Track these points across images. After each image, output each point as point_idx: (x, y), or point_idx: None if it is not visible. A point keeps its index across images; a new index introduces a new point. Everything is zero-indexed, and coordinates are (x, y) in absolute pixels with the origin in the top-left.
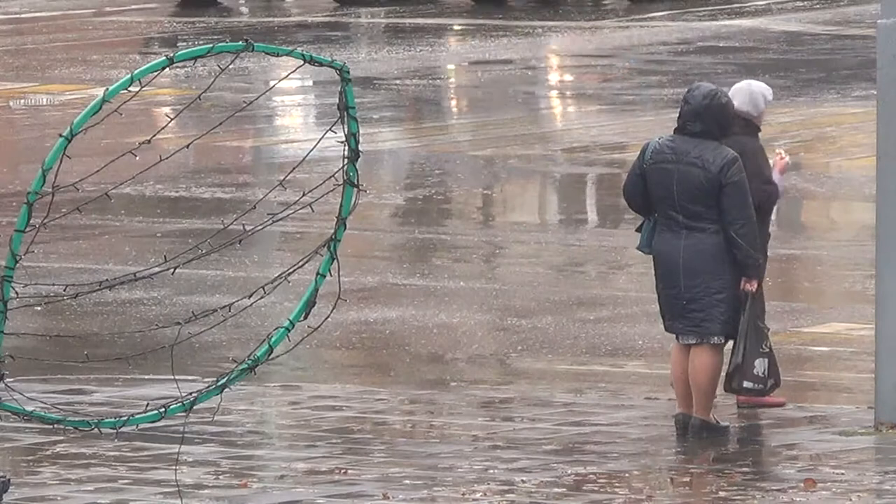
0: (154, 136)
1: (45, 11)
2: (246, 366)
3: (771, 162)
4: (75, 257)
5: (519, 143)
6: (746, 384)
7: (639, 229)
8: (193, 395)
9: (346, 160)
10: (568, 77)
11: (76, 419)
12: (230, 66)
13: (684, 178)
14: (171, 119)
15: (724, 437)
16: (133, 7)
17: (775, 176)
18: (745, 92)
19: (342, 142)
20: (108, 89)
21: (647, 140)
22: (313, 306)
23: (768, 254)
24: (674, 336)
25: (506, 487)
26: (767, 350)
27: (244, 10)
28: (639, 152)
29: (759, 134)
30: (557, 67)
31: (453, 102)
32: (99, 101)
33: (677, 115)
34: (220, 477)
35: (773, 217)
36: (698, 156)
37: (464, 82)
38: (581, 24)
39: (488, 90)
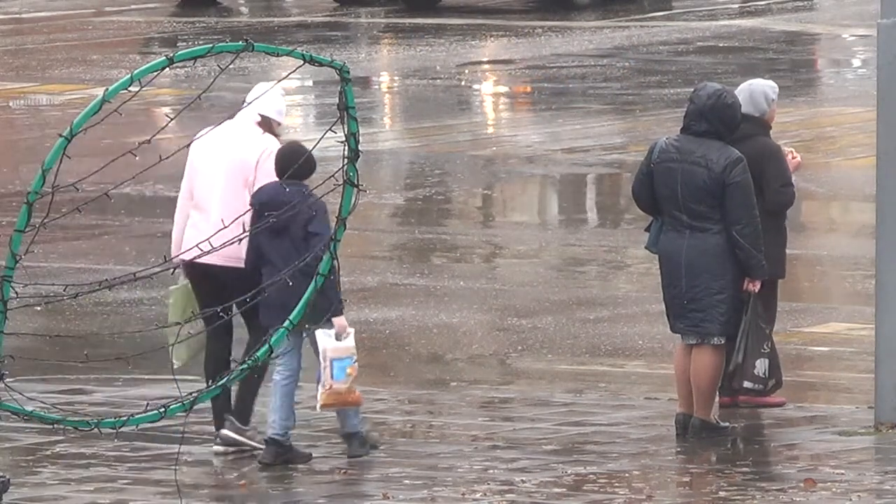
0: (154, 135)
1: (45, 11)
2: (246, 366)
3: None
4: (75, 257)
5: (517, 143)
6: (747, 384)
7: (648, 228)
8: (193, 395)
9: (346, 160)
10: (571, 78)
11: (76, 419)
12: (230, 66)
13: (688, 178)
14: (171, 119)
15: (724, 437)
16: (133, 7)
17: None
18: (746, 92)
19: (342, 142)
20: (108, 89)
21: (655, 140)
22: (313, 307)
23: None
24: (679, 336)
25: (506, 487)
26: (769, 350)
27: (244, 10)
28: (647, 151)
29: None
30: (558, 68)
31: (451, 102)
32: (99, 101)
33: (684, 114)
34: (220, 477)
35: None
36: (702, 155)
37: (462, 82)
38: (581, 24)
39: (486, 90)
